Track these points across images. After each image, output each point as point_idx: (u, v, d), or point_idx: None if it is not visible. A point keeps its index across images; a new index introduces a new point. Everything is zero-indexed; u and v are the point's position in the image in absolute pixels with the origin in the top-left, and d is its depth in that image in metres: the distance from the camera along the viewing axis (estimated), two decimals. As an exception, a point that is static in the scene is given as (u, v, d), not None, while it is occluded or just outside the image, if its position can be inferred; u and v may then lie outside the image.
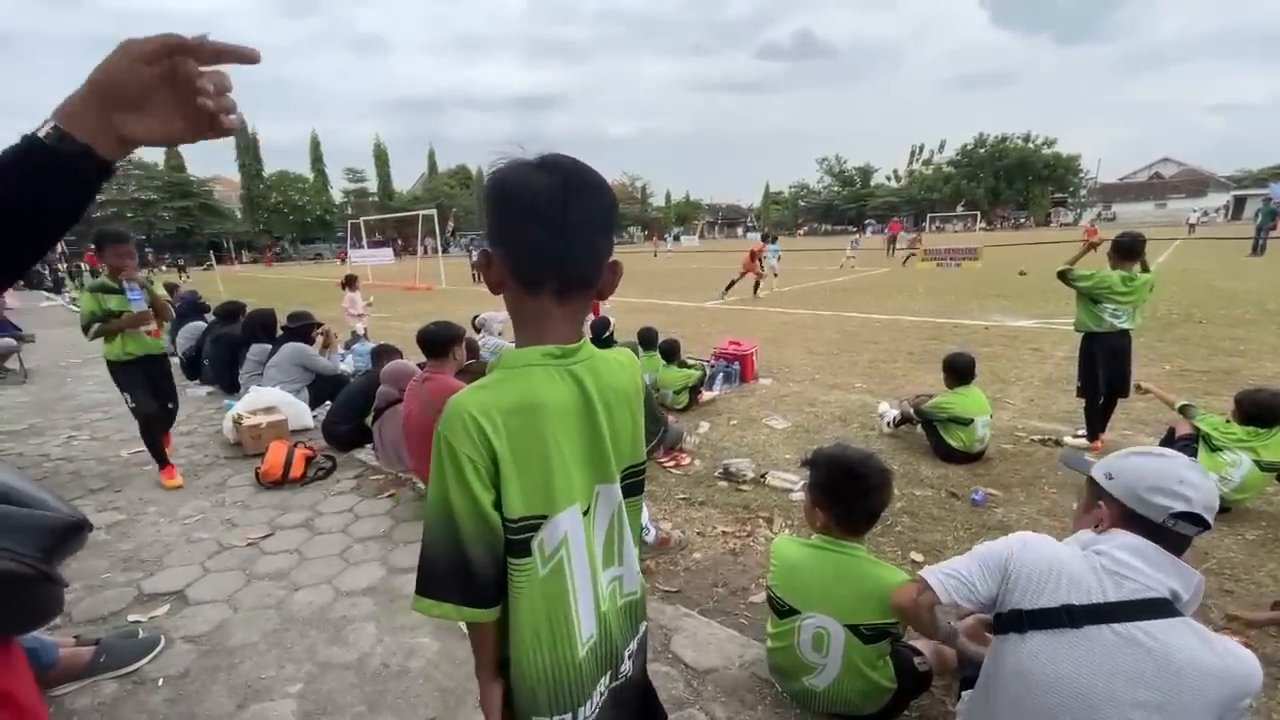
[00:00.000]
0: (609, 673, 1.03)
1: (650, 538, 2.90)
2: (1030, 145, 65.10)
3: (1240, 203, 54.61)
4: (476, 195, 61.72)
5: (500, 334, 7.14)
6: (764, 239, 15.22)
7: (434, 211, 23.99)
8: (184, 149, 47.64)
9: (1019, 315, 9.47)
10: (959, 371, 4.04)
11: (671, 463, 4.06)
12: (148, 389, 3.76)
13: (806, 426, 4.71)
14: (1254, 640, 2.18)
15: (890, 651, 1.76)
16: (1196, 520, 1.23)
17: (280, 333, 5.72)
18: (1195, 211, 38.38)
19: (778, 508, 3.37)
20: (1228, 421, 3.24)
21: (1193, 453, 3.17)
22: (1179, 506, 1.23)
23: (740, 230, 77.90)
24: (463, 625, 0.95)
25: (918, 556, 2.86)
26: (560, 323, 0.89)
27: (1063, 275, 3.97)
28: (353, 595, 2.61)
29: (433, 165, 63.15)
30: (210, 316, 7.36)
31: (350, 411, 4.43)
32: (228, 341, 6.01)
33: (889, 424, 4.44)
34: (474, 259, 21.95)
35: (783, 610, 1.81)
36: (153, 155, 47.04)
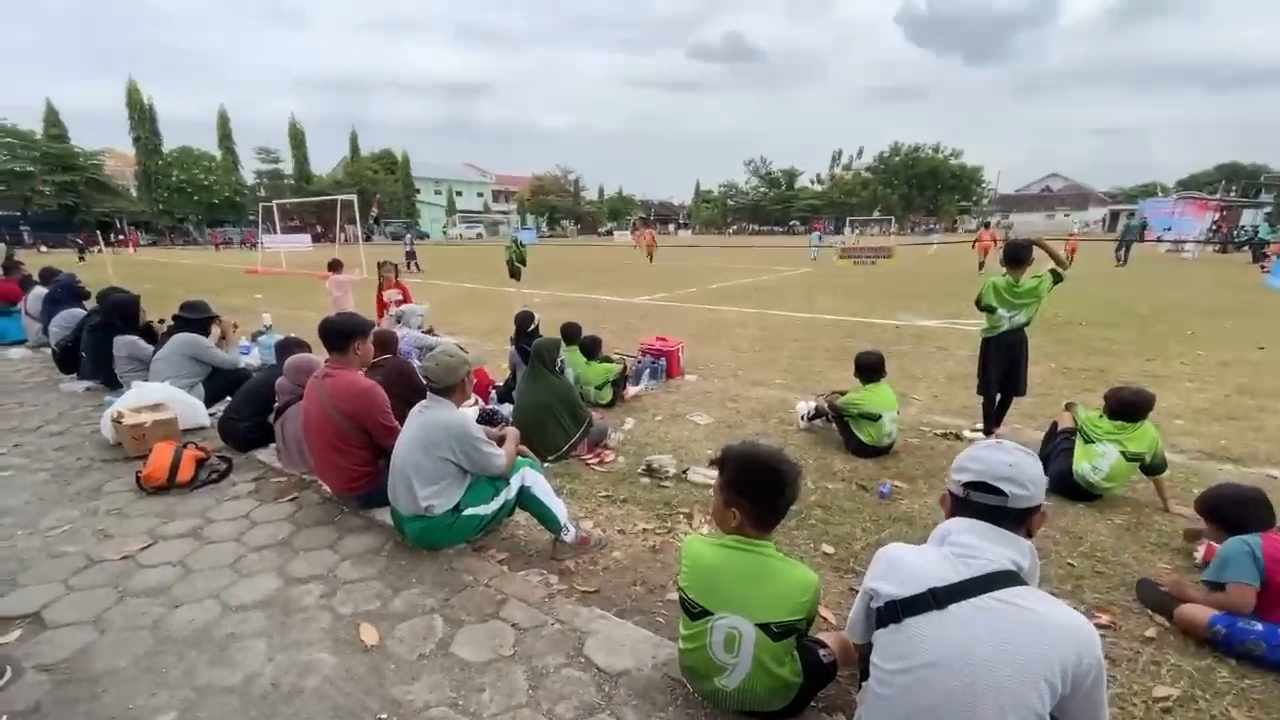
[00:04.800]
0: None
1: (569, 537, 2.86)
2: (940, 155, 69.33)
3: (1115, 216, 60.44)
4: (401, 180, 59.05)
5: (420, 327, 6.85)
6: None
7: (354, 197, 22.74)
8: (66, 116, 42.71)
9: (926, 316, 10.06)
10: (869, 369, 4.23)
11: (595, 460, 4.02)
12: None
13: (728, 422, 4.80)
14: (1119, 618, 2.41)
15: (797, 646, 1.80)
16: (987, 489, 1.40)
17: (172, 323, 5.23)
18: (1077, 224, 41.98)
19: (698, 504, 3.40)
20: (1101, 416, 3.56)
21: (1072, 444, 3.48)
22: (964, 478, 1.45)
23: (672, 227, 78.44)
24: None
25: (829, 549, 2.96)
26: None
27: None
28: (243, 610, 2.40)
29: (355, 148, 59.65)
30: (90, 304, 6.64)
31: (251, 408, 4.11)
32: (108, 332, 5.42)
33: (803, 418, 4.60)
34: (409, 247, 20.96)
35: (695, 612, 1.81)
36: (29, 121, 41.67)
